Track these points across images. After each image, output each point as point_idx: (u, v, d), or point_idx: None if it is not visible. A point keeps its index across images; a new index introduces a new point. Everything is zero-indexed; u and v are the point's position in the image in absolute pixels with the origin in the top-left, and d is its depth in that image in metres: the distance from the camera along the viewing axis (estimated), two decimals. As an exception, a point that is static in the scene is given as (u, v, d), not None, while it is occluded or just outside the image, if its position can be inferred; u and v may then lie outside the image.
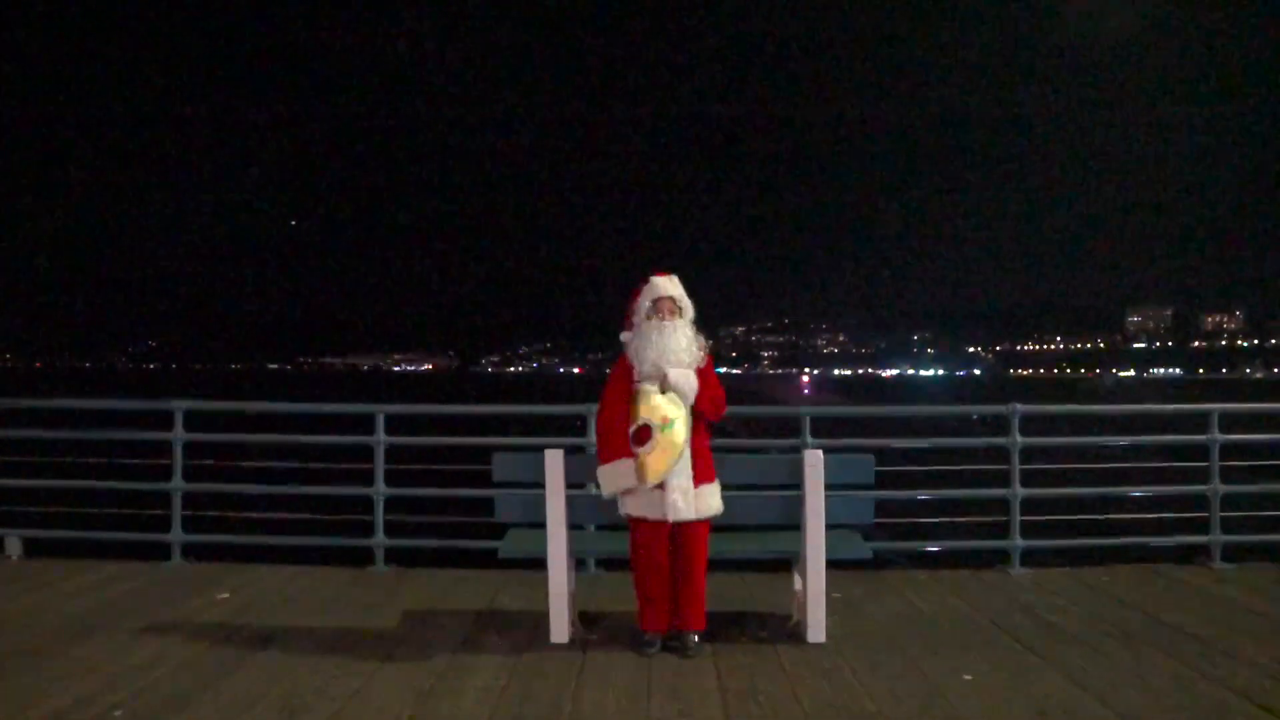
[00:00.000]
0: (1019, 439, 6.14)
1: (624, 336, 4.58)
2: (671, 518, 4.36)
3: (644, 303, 4.56)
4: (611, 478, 4.38)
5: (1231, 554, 6.25)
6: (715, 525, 4.80)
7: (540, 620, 4.70)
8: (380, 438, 6.26)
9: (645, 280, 4.62)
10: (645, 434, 4.29)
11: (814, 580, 4.58)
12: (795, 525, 4.71)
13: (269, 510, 6.56)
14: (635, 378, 4.46)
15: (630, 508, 4.45)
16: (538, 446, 4.75)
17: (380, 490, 6.23)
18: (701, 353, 4.52)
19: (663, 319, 4.50)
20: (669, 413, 4.33)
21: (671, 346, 4.43)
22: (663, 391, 4.37)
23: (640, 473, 4.28)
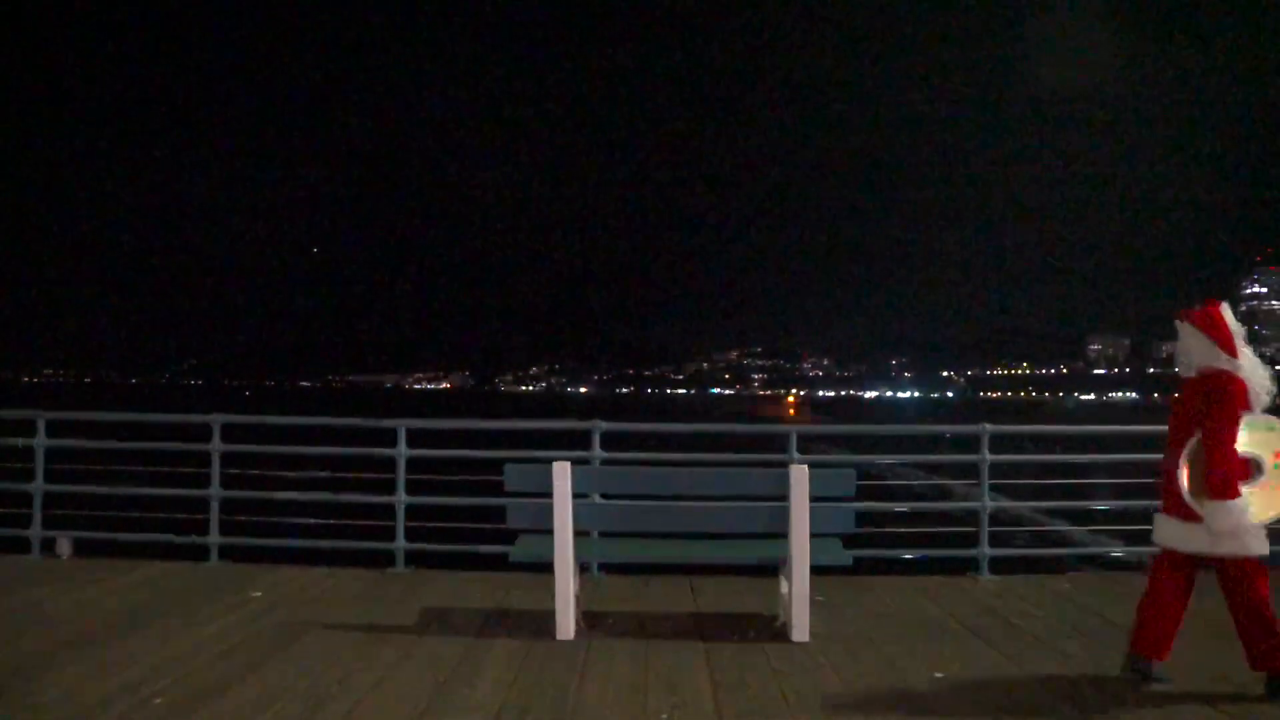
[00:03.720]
0: (988, 456, 6.16)
1: (1238, 363, 3.80)
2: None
3: (1238, 328, 3.87)
4: (1238, 514, 3.67)
5: None
6: (709, 533, 4.79)
7: (547, 619, 4.71)
8: (402, 450, 6.28)
9: (1214, 303, 3.91)
10: (1250, 468, 3.77)
11: (799, 584, 4.59)
12: (782, 534, 4.72)
13: (299, 516, 6.57)
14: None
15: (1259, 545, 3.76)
16: (546, 459, 4.79)
17: (401, 498, 6.24)
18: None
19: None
20: None
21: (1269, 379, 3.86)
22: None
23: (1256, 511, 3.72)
